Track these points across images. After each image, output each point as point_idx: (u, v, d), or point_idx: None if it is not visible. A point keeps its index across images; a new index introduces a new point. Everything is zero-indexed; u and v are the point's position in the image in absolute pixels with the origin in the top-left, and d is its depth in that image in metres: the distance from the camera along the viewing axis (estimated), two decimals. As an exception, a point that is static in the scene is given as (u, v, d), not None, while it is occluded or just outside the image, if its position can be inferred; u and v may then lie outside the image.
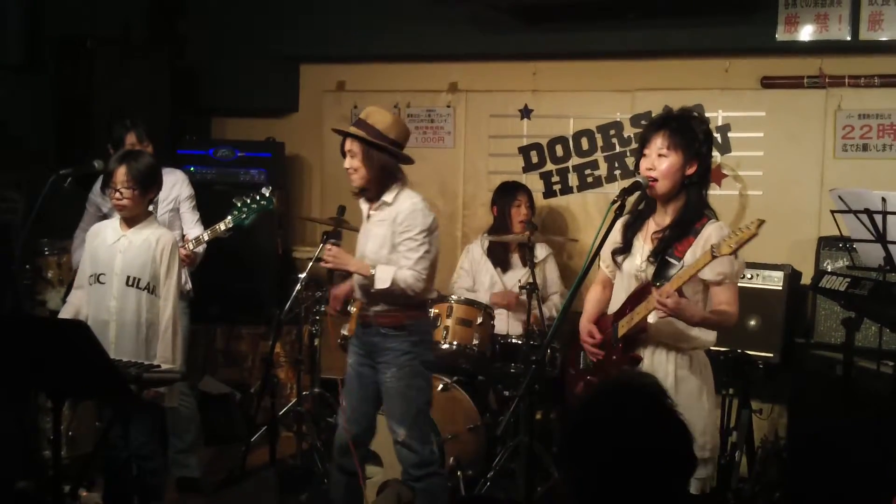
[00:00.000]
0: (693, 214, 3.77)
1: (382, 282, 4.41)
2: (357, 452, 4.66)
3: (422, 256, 4.45)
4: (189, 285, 5.52)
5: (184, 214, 5.60)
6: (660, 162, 3.74)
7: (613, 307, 3.94)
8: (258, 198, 4.85)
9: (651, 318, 3.74)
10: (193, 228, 5.53)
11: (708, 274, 3.64)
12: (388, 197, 4.49)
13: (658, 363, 3.78)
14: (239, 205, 4.88)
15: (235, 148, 7.05)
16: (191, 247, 5.21)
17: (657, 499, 2.09)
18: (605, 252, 3.96)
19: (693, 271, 3.54)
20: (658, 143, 3.75)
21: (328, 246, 4.51)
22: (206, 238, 5.23)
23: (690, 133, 3.75)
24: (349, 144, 4.45)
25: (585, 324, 4.03)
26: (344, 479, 4.71)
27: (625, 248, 3.89)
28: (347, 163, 4.46)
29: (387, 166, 4.47)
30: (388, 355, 4.51)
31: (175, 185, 5.58)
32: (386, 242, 4.49)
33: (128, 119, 5.44)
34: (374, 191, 4.51)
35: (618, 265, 3.93)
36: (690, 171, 3.74)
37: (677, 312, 3.55)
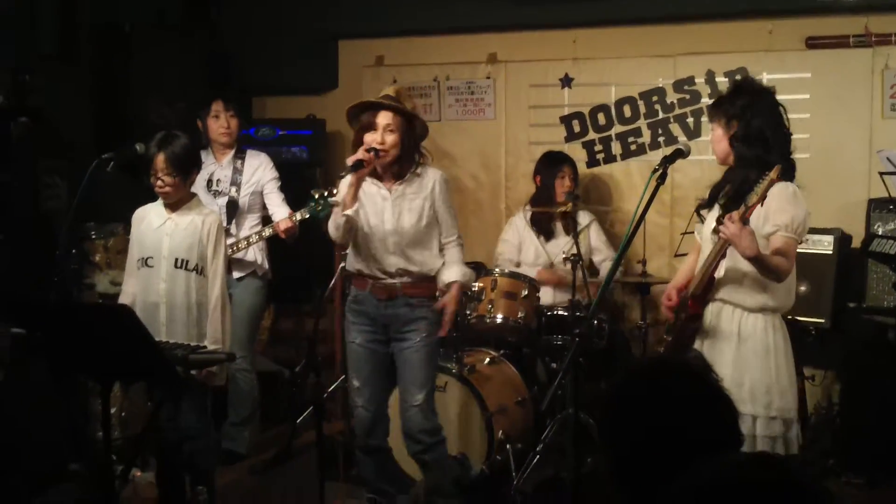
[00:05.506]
0: (747, 173, 3.80)
1: (467, 276, 4.64)
2: (380, 428, 4.68)
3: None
4: (266, 265, 5.73)
5: (269, 195, 5.77)
6: (712, 139, 4.03)
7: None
8: (335, 191, 4.84)
9: (718, 272, 3.83)
10: (280, 208, 5.70)
11: (766, 227, 3.77)
12: (418, 169, 4.56)
13: (724, 320, 3.89)
14: (317, 196, 4.86)
15: (276, 126, 7.10)
16: (297, 218, 5.37)
17: None
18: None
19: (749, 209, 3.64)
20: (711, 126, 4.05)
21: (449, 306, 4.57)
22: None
23: (721, 101, 3.99)
24: (386, 118, 4.41)
25: (669, 287, 4.17)
26: (372, 459, 4.71)
27: (709, 204, 4.05)
28: (381, 137, 4.39)
29: (418, 141, 4.55)
30: (419, 324, 4.56)
31: (259, 168, 5.78)
32: (423, 214, 4.55)
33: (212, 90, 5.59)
34: (398, 167, 4.51)
35: (702, 220, 4.09)
36: (733, 130, 3.91)
37: (736, 238, 3.62)
